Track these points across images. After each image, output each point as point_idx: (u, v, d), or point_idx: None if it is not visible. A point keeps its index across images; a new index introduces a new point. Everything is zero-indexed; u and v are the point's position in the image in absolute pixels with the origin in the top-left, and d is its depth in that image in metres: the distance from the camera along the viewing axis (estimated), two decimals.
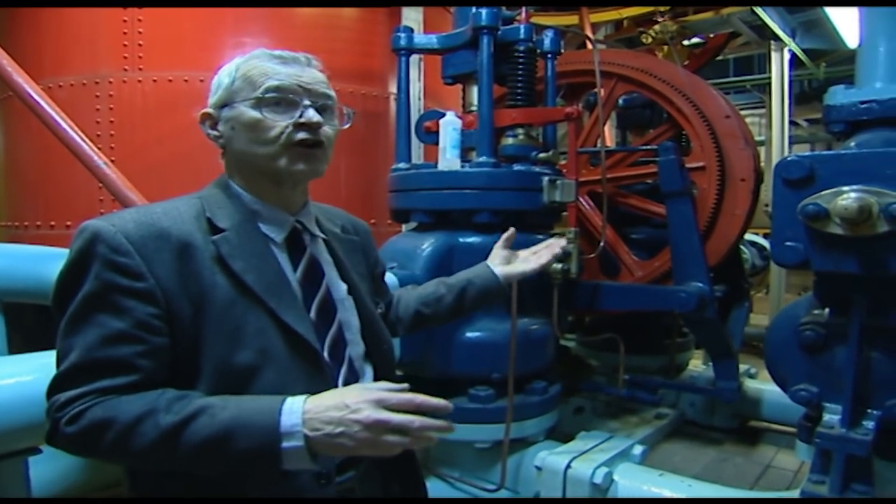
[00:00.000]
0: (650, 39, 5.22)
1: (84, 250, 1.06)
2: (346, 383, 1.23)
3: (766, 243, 5.68)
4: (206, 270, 1.09)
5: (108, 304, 1.03)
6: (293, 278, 1.21)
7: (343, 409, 0.98)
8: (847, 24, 5.39)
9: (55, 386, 1.05)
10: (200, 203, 1.18)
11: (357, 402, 0.99)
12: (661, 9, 5.18)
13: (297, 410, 0.99)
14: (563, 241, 1.87)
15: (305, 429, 0.97)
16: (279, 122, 1.15)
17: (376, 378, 1.32)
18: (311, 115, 1.16)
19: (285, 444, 0.97)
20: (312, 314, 1.21)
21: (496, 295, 1.71)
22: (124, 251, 1.04)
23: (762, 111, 8.93)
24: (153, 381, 1.04)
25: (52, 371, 1.59)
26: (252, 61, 1.19)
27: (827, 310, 2.11)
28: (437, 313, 1.64)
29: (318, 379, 1.16)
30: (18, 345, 2.83)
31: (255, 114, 1.15)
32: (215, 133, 1.22)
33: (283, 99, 1.16)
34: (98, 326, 1.03)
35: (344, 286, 1.32)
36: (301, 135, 1.16)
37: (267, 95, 1.15)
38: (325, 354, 1.20)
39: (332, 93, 1.23)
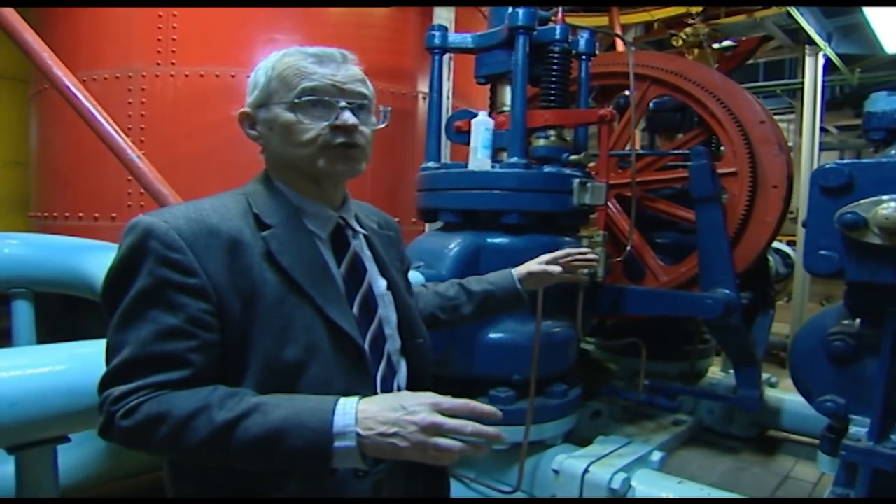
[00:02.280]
0: (681, 42, 5.17)
1: (136, 246, 1.07)
2: (383, 378, 1.24)
3: (790, 250, 5.60)
4: (256, 266, 1.10)
5: (161, 300, 1.04)
6: (337, 274, 1.22)
7: (399, 411, 0.98)
8: (887, 28, 5.26)
9: (108, 380, 1.05)
10: (246, 199, 1.18)
11: (413, 404, 0.99)
12: (694, 11, 5.12)
13: (350, 411, 0.99)
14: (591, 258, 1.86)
15: (359, 427, 0.97)
16: (315, 125, 1.15)
17: (410, 372, 1.33)
18: (347, 117, 1.16)
19: (337, 444, 0.97)
20: (355, 310, 1.22)
21: (515, 306, 1.73)
22: (177, 247, 1.06)
23: (791, 116, 8.79)
24: (206, 376, 1.06)
25: (85, 361, 1.63)
26: (286, 59, 1.18)
27: (858, 320, 2.07)
28: (452, 320, 1.66)
29: (359, 374, 1.17)
30: (43, 334, 2.88)
31: (290, 116, 1.15)
32: (254, 133, 1.23)
33: (318, 101, 1.15)
34: (151, 322, 1.04)
35: (383, 281, 1.33)
36: (338, 138, 1.16)
37: (302, 99, 1.14)
38: (366, 349, 1.21)
39: (369, 90, 1.22)
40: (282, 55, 1.19)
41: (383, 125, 1.28)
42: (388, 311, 1.31)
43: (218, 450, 1.00)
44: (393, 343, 1.30)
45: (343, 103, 1.16)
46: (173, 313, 1.04)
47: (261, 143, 1.24)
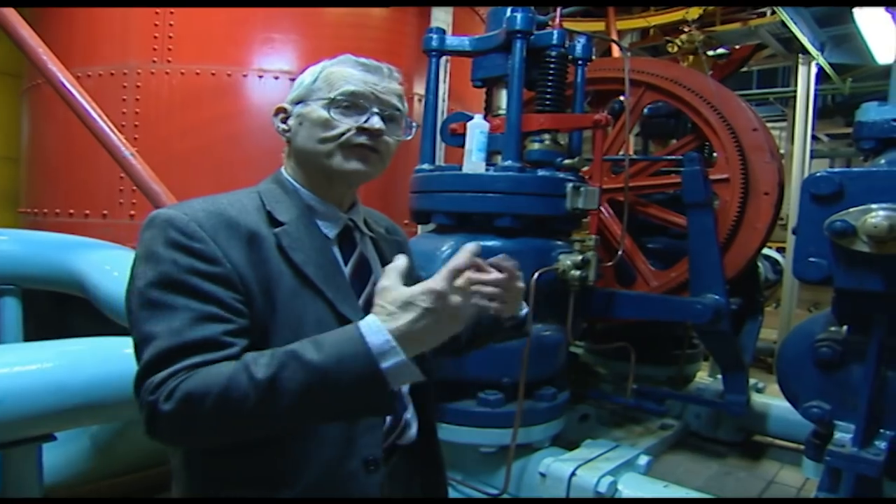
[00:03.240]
0: (676, 49, 5.19)
1: (157, 237, 1.07)
2: None
3: (779, 257, 5.64)
4: (273, 259, 1.13)
5: (190, 289, 1.04)
6: (345, 273, 1.24)
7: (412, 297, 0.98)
8: (879, 39, 5.32)
9: (145, 374, 1.01)
10: (259, 197, 1.21)
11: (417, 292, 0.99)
12: (689, 18, 5.15)
13: (377, 328, 0.97)
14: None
15: (391, 334, 0.96)
16: (343, 124, 1.19)
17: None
18: (375, 121, 1.20)
19: (384, 364, 0.96)
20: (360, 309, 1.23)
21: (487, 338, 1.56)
22: (199, 237, 1.07)
23: (783, 124, 8.84)
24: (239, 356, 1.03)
25: (73, 359, 1.62)
26: (337, 65, 1.24)
27: (845, 327, 2.09)
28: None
29: None
30: (31, 331, 2.87)
31: (323, 113, 1.19)
32: (284, 127, 1.26)
33: (353, 103, 1.20)
34: (183, 310, 1.02)
35: None
36: (360, 138, 1.19)
37: (339, 97, 1.19)
38: None
39: (403, 106, 1.27)
40: (335, 61, 1.25)
41: (408, 137, 1.30)
42: None
43: (267, 408, 0.96)
44: None
45: (375, 109, 1.21)
46: (204, 301, 1.04)
47: (287, 138, 1.27)
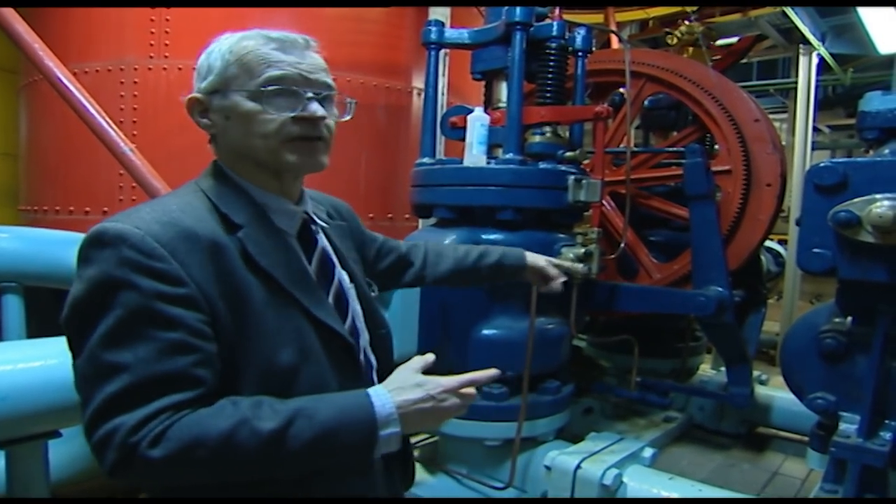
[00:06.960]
0: (675, 40, 5.16)
1: (111, 258, 0.95)
2: (364, 372, 1.24)
3: (781, 249, 5.63)
4: (239, 270, 1.04)
5: (155, 315, 0.94)
6: (310, 272, 1.18)
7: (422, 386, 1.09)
8: (881, 28, 5.29)
9: (108, 410, 0.92)
10: (206, 196, 1.11)
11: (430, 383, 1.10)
12: (689, 10, 5.12)
13: (386, 398, 1.05)
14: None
15: (396, 407, 1.05)
16: (279, 116, 1.08)
17: (379, 365, 1.30)
18: (315, 108, 1.10)
19: (383, 432, 1.03)
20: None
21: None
22: (158, 255, 0.96)
23: (784, 116, 8.82)
24: (214, 389, 0.99)
25: None
26: (246, 43, 1.09)
27: (849, 318, 2.09)
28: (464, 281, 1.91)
29: (351, 372, 1.16)
30: (33, 329, 2.86)
31: (252, 105, 1.08)
32: (206, 121, 1.14)
33: (284, 90, 1.08)
34: (149, 340, 0.94)
35: (346, 274, 1.28)
36: (301, 129, 1.10)
37: (268, 88, 1.07)
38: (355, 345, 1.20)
39: (332, 81, 1.16)
40: (239, 38, 1.11)
41: (348, 118, 1.22)
42: (355, 305, 1.27)
43: (269, 462, 0.96)
44: (364, 336, 1.27)
45: (310, 94, 1.10)
46: (171, 328, 0.95)
47: (212, 132, 1.15)
